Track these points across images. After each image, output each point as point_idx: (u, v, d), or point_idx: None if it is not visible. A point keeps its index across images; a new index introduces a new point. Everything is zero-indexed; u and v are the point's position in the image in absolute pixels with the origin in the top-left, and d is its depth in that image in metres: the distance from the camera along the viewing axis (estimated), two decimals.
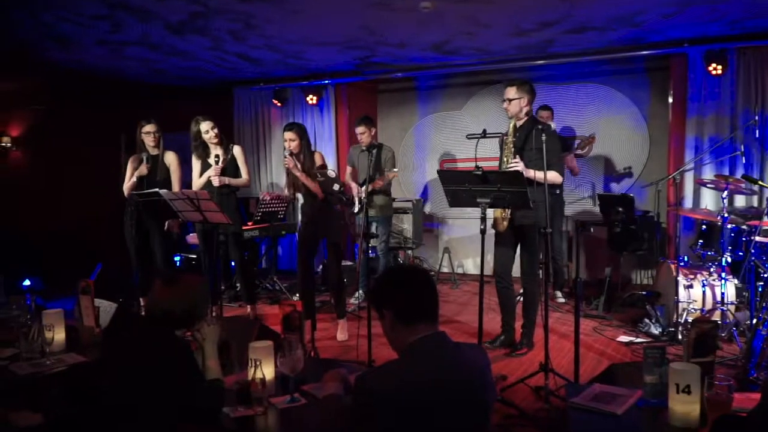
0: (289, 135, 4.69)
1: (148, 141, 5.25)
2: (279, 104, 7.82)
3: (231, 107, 8.14)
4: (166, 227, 5.24)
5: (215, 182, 5.06)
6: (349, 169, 6.30)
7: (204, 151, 5.20)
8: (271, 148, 8.06)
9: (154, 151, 5.31)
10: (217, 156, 5.11)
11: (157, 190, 4.68)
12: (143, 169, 5.20)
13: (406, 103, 8.01)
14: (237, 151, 5.28)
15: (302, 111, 7.83)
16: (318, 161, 4.78)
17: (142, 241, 5.24)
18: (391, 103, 8.10)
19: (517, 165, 4.08)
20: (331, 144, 7.63)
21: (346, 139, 7.67)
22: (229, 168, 5.17)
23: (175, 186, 5.33)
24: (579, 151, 6.20)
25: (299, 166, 4.65)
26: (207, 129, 5.10)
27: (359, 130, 5.86)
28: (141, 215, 5.20)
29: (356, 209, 6.01)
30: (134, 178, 5.23)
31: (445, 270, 7.47)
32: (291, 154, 4.65)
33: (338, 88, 7.65)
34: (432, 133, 7.89)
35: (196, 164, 5.21)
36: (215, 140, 5.14)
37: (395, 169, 5.94)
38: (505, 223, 4.26)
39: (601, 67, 6.81)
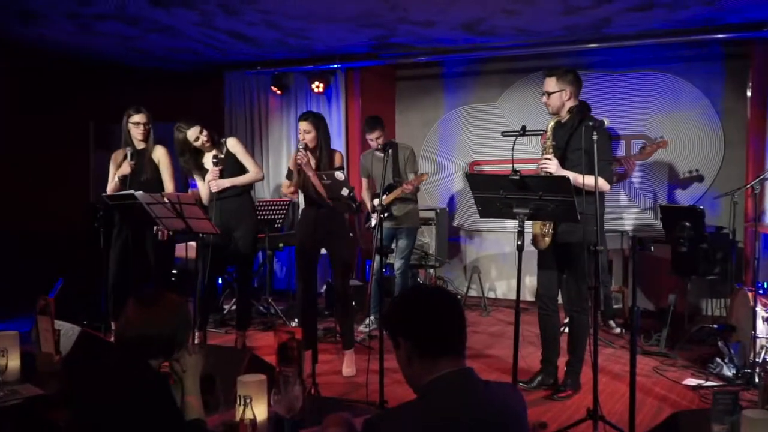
0: (303, 126, 4.74)
1: (136, 133, 5.30)
2: (279, 92, 7.88)
3: (221, 94, 8.21)
4: (157, 234, 5.26)
5: (213, 188, 5.08)
6: (364, 182, 6.30)
7: (196, 162, 5.21)
8: (269, 145, 8.11)
9: (140, 146, 5.36)
10: (215, 157, 5.13)
11: (132, 191, 4.72)
12: (126, 167, 5.23)
13: (431, 93, 8.03)
14: (232, 144, 5.28)
15: (306, 100, 7.88)
16: (337, 162, 4.82)
17: (125, 254, 5.26)
18: (413, 92, 8.13)
19: (549, 164, 4.07)
20: (340, 141, 7.67)
21: (357, 136, 7.70)
22: (228, 166, 5.19)
23: (169, 186, 5.35)
24: (638, 156, 6.16)
25: (313, 164, 4.67)
26: (195, 136, 5.10)
27: (373, 135, 5.90)
28: (124, 222, 5.24)
29: (373, 223, 6.02)
30: (117, 179, 5.27)
31: (473, 293, 7.46)
32: (306, 148, 4.67)
33: (349, 74, 7.69)
34: (460, 130, 7.90)
35: (198, 181, 5.25)
36: (208, 144, 5.17)
37: (423, 173, 5.96)
38: (547, 240, 4.25)
39: (666, 53, 6.78)
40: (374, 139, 5.91)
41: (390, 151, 5.88)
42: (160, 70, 8.01)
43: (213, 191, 5.09)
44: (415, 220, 6.09)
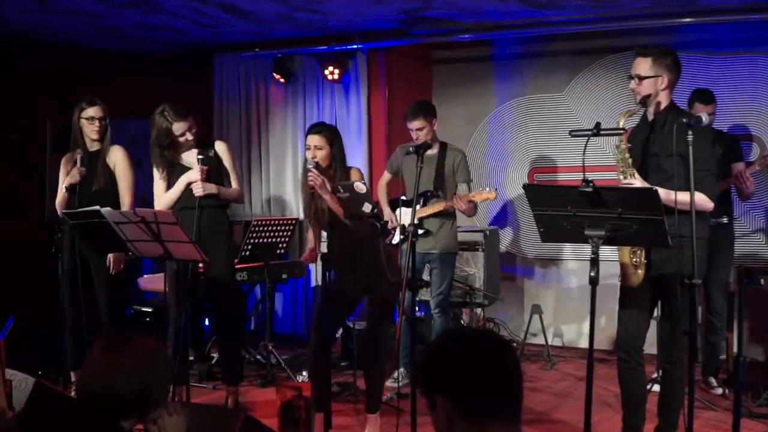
0: (314, 140, 4.80)
1: (90, 131, 5.40)
2: (282, 80, 7.95)
3: (210, 83, 8.30)
4: (108, 264, 5.35)
5: (198, 190, 5.13)
6: (385, 177, 6.31)
7: (173, 158, 5.26)
8: (269, 145, 8.18)
9: (94, 146, 5.45)
10: (201, 154, 5.21)
11: (97, 208, 4.78)
12: (75, 174, 5.32)
13: (477, 82, 8.04)
14: (222, 148, 5.40)
15: (318, 91, 7.94)
16: (355, 179, 4.83)
17: (78, 285, 5.33)
18: (454, 80, 8.14)
19: (633, 185, 4.05)
20: (360, 142, 7.70)
21: (382, 136, 7.73)
22: (214, 171, 5.27)
23: (125, 200, 5.44)
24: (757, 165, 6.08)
25: (329, 186, 4.71)
26: (182, 131, 5.17)
27: (413, 125, 5.84)
28: (78, 245, 5.32)
29: (397, 239, 6.01)
30: (64, 189, 5.36)
31: (534, 340, 7.41)
32: (317, 166, 4.72)
33: (373, 57, 7.75)
34: (516, 128, 7.88)
35: (159, 179, 5.29)
36: (192, 142, 5.24)
37: (490, 189, 5.83)
38: (640, 273, 4.18)
39: None
40: (415, 130, 5.84)
41: (435, 153, 5.90)
42: (135, 55, 8.08)
43: (197, 193, 5.13)
44: (452, 242, 6.05)
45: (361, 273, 4.84)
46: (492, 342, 1.98)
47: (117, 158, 5.47)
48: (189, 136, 5.22)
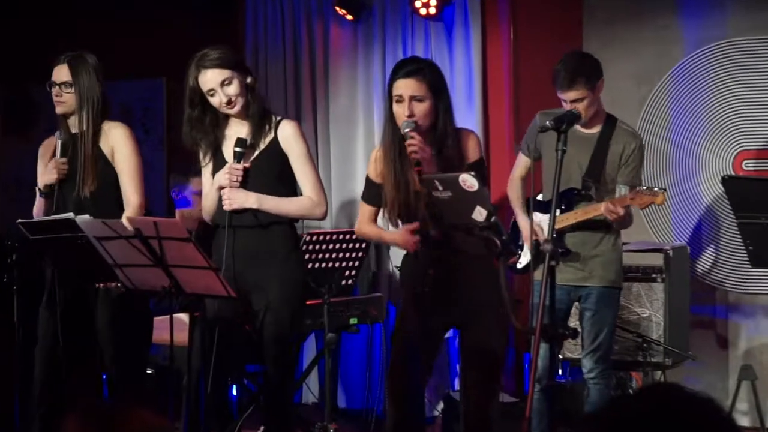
0: (409, 87, 4.75)
1: (57, 102, 5.51)
2: (350, 17, 8.08)
3: (239, 27, 8.48)
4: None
5: (226, 202, 5.05)
6: (521, 164, 6.18)
7: (216, 134, 5.21)
8: (328, 119, 8.34)
9: (77, 127, 5.54)
10: (240, 144, 5.11)
11: (70, 215, 4.89)
12: (52, 170, 5.42)
13: (653, 19, 8.00)
14: (289, 132, 5.23)
15: (404, 33, 8.06)
16: (473, 154, 4.87)
17: (55, 334, 5.40)
18: (617, 17, 8.11)
19: None
20: (471, 109, 7.77)
21: (505, 99, 7.82)
22: (264, 170, 5.22)
23: (132, 200, 5.48)
24: None
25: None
26: (212, 85, 5.07)
27: (571, 95, 5.62)
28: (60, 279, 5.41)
29: (524, 261, 6.00)
30: (40, 194, 5.49)
31: (744, 421, 7.35)
32: (417, 129, 4.72)
33: None
34: (715, 89, 7.82)
35: (204, 168, 5.35)
36: (233, 110, 5.19)
37: (657, 190, 5.71)
38: None
39: None
40: (570, 102, 5.74)
41: (597, 131, 5.82)
42: None
43: (225, 208, 5.09)
44: (614, 269, 6.00)
45: (450, 302, 4.75)
46: (717, 418, 1.86)
47: (116, 140, 5.50)
48: (222, 98, 5.07)
